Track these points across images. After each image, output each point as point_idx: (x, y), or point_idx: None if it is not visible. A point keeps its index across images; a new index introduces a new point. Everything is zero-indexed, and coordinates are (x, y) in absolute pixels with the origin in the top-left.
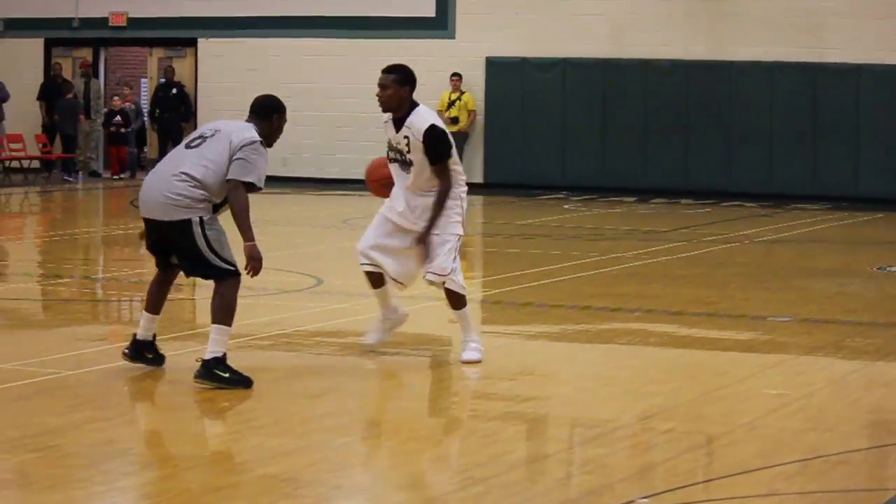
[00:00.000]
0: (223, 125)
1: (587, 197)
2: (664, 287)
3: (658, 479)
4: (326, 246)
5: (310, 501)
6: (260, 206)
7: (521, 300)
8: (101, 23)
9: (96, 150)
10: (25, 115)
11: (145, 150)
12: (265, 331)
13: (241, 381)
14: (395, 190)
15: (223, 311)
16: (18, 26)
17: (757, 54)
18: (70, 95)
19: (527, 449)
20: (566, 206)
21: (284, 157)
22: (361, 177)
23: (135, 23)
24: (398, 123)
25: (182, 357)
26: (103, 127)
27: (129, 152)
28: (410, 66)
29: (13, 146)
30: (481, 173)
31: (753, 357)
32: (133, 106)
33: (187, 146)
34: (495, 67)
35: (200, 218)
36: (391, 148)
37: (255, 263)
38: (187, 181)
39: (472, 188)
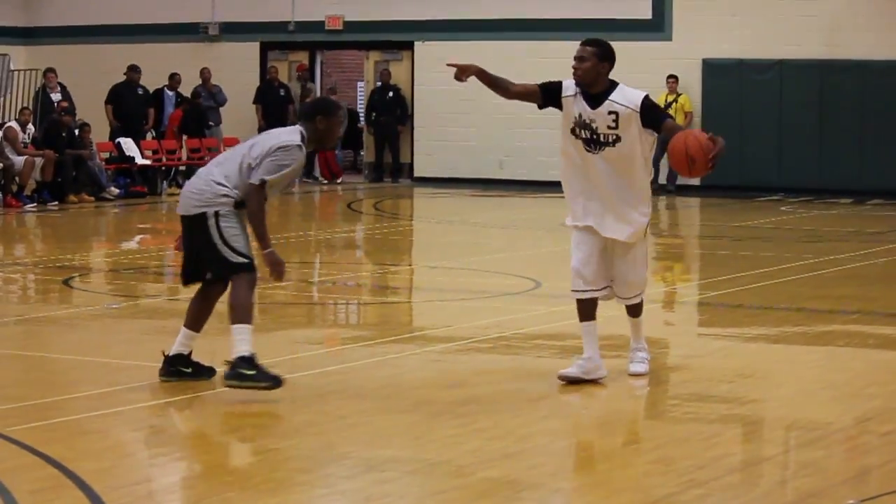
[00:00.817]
0: (277, 130)
1: (804, 199)
2: (883, 289)
3: (876, 483)
4: (545, 248)
5: None
6: (477, 209)
7: (739, 302)
8: (318, 26)
9: (313, 154)
10: (241, 119)
11: (361, 153)
12: (485, 334)
13: (268, 379)
14: (572, 188)
15: (239, 310)
16: (235, 30)
17: None
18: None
19: (746, 452)
20: (783, 208)
21: (501, 159)
22: None
23: (351, 26)
24: (595, 99)
25: (405, 359)
26: None
27: (335, 156)
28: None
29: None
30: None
31: None
32: None
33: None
34: (712, 69)
35: (216, 211)
36: (578, 124)
37: (277, 269)
38: (214, 177)
39: (689, 190)
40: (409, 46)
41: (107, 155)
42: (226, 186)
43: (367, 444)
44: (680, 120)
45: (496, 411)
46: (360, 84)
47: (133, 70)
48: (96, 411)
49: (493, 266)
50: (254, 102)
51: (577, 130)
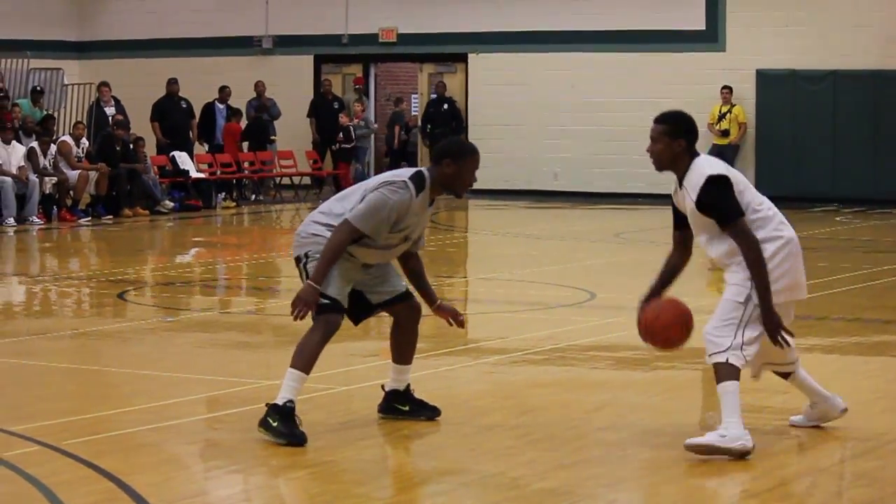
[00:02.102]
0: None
1: (858, 209)
2: None
3: None
4: (599, 260)
5: None
6: (532, 221)
7: (795, 312)
8: (371, 39)
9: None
10: (296, 134)
11: (419, 166)
12: (539, 346)
13: (290, 437)
14: None
15: (297, 353)
16: (288, 43)
17: None
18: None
19: (801, 462)
20: (837, 219)
21: (555, 171)
22: (633, 191)
23: (405, 38)
24: (679, 182)
25: (459, 371)
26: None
27: (353, 168)
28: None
29: (284, 163)
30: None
31: None
32: (363, 122)
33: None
34: (765, 79)
35: (307, 252)
36: (677, 214)
37: (299, 304)
38: (313, 217)
39: None
40: (463, 58)
41: (161, 168)
42: (320, 225)
43: (421, 456)
44: (734, 131)
45: (550, 423)
46: (414, 97)
47: (172, 83)
48: (151, 424)
49: (548, 277)
50: (308, 116)
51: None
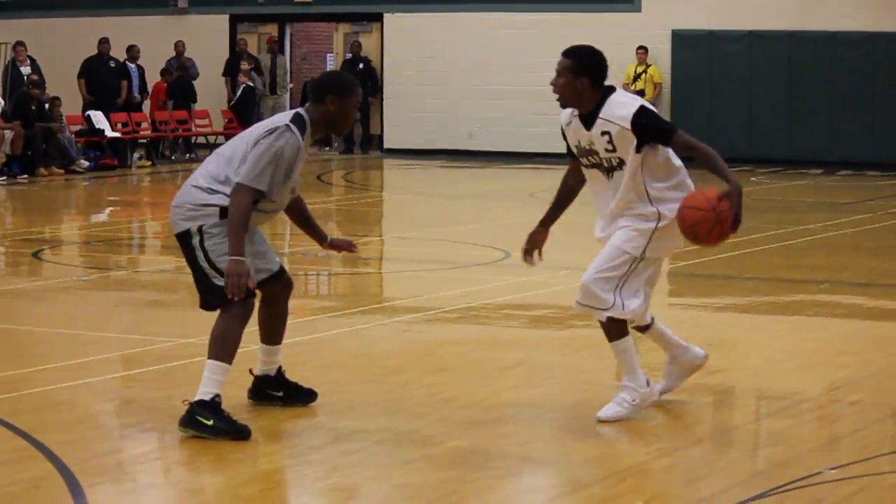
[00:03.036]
0: (279, 114)
1: (774, 169)
2: (852, 259)
3: (845, 451)
4: (514, 219)
5: (499, 474)
6: (447, 181)
7: (709, 272)
8: None
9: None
10: (211, 92)
11: None
12: (454, 304)
13: (231, 432)
14: (598, 203)
15: (217, 344)
16: (204, 2)
17: None
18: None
19: (715, 420)
20: (752, 179)
21: (471, 130)
22: (549, 150)
23: None
24: (588, 120)
25: (374, 329)
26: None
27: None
28: (596, 46)
29: (199, 122)
30: None
31: None
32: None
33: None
34: (681, 40)
35: (200, 227)
36: (582, 153)
37: (232, 281)
38: (197, 185)
39: None
40: (378, 18)
41: (77, 128)
42: (211, 194)
43: (335, 415)
44: (649, 90)
45: (464, 381)
46: (329, 56)
47: (104, 42)
48: (65, 383)
49: (463, 237)
50: (223, 75)
51: (584, 160)
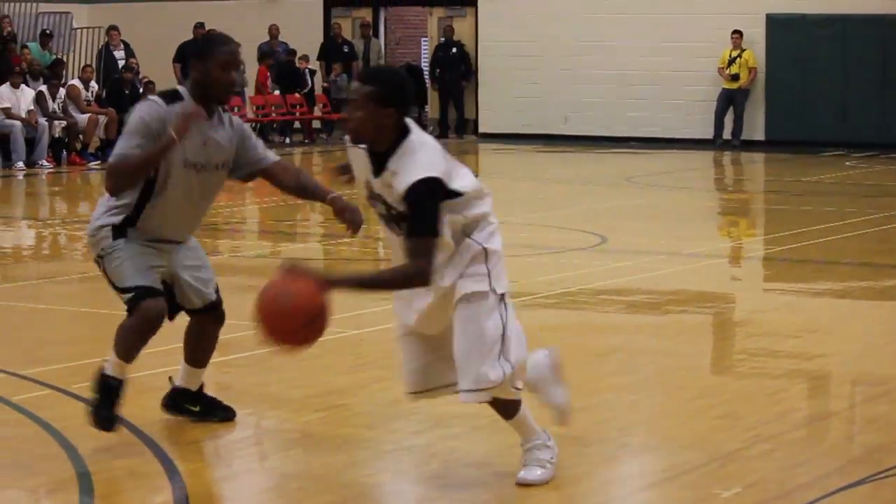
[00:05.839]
0: None
1: (868, 154)
2: None
3: None
4: (610, 203)
5: (598, 460)
6: (542, 165)
7: (805, 257)
8: None
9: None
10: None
11: (426, 109)
12: (549, 289)
13: (99, 422)
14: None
15: (115, 337)
16: None
17: None
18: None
19: (812, 407)
20: (847, 163)
21: (565, 115)
22: (645, 135)
23: None
24: (379, 161)
25: None
26: None
27: None
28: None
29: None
30: (762, 131)
31: None
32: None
33: None
34: (776, 24)
35: (99, 253)
36: (371, 195)
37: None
38: (95, 212)
39: (754, 145)
40: (472, 2)
41: None
42: (102, 213)
43: (434, 400)
44: (744, 75)
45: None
46: (423, 40)
47: (199, 27)
48: (162, 368)
49: (559, 221)
50: (317, 59)
51: (373, 203)
